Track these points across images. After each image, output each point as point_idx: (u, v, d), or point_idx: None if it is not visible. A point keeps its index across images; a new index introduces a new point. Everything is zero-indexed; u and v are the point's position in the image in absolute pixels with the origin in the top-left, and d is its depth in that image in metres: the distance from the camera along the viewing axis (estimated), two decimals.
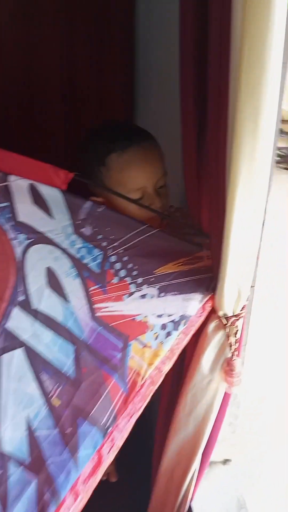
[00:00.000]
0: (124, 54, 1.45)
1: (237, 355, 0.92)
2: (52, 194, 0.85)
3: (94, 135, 1.00)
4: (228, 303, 0.86)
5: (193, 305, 0.83)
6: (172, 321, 0.80)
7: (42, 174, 0.87)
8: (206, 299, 0.85)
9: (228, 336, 0.90)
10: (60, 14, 1.39)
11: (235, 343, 0.90)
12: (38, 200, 0.85)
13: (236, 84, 0.62)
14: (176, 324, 0.80)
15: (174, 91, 0.89)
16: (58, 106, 1.49)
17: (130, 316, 0.80)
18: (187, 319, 0.80)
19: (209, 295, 0.85)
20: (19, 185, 0.82)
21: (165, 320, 0.80)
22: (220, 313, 0.88)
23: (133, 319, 0.80)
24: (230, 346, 0.91)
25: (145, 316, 0.80)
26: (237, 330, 0.90)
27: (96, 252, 0.84)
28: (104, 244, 0.85)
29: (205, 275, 0.85)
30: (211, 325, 0.91)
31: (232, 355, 0.91)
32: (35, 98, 1.51)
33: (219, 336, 0.91)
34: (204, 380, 0.95)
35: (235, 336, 0.90)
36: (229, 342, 0.90)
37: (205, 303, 0.85)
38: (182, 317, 0.80)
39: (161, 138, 1.00)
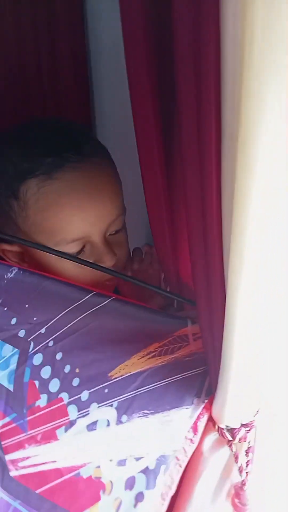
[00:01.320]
0: (75, 39, 1.04)
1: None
2: None
3: (4, 144, 0.57)
4: (235, 413, 0.48)
5: (178, 429, 0.44)
6: (145, 470, 0.41)
7: None
8: (198, 410, 0.46)
9: (235, 457, 0.51)
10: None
11: (246, 465, 0.52)
12: None
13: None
14: (151, 474, 0.41)
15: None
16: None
17: (70, 469, 0.41)
18: (169, 461, 0.42)
19: (203, 403, 0.46)
20: None
21: (132, 469, 0.41)
22: (222, 425, 0.49)
23: (76, 474, 0.41)
24: (240, 470, 0.52)
25: (97, 467, 0.41)
26: (249, 447, 0.52)
27: (8, 350, 0.45)
28: (22, 334, 0.46)
29: (194, 370, 0.47)
30: (208, 440, 0.52)
31: (243, 483, 0.53)
32: None
33: (220, 457, 0.53)
34: None
35: (247, 456, 0.52)
36: (237, 464, 0.52)
37: (197, 418, 0.46)
38: (162, 460, 0.42)
39: (123, 148, 0.60)
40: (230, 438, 0.51)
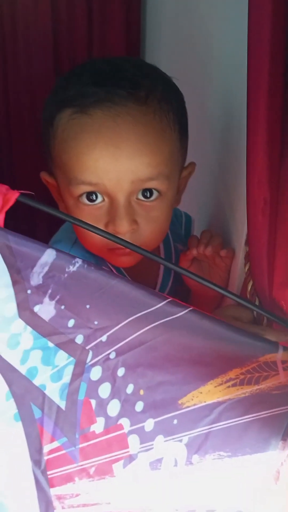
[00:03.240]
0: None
1: None
2: None
3: (66, 73, 0.52)
4: None
5: (259, 479, 0.35)
6: None
7: None
8: (283, 456, 0.36)
9: None
10: None
11: None
12: None
13: None
14: None
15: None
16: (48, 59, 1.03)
17: None
18: None
19: None
20: None
21: None
22: None
23: None
24: None
25: None
26: None
27: (62, 358, 0.36)
28: (80, 340, 0.37)
29: (282, 408, 0.37)
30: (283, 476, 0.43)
31: None
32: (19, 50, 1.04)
33: None
34: None
35: None
36: None
37: (281, 465, 0.36)
38: None
39: None
40: None
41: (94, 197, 0.49)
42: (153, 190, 0.49)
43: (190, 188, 0.58)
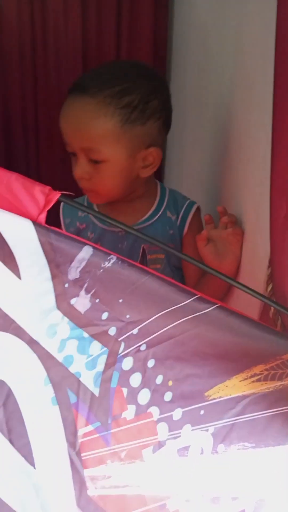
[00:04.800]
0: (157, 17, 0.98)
1: None
2: (18, 231, 0.39)
3: None
4: None
5: (282, 471, 0.35)
6: None
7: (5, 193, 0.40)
8: None
9: None
10: None
11: None
12: None
13: None
14: None
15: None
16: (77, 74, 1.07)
17: (155, 499, 0.35)
18: (269, 508, 0.33)
19: None
20: None
21: (227, 510, 0.33)
22: None
23: (162, 506, 0.34)
24: None
25: (186, 500, 0.33)
26: None
27: (96, 348, 0.38)
28: (113, 331, 0.39)
29: None
30: None
31: None
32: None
33: None
34: None
35: None
36: None
37: None
38: (261, 504, 0.34)
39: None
40: None
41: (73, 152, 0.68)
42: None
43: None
